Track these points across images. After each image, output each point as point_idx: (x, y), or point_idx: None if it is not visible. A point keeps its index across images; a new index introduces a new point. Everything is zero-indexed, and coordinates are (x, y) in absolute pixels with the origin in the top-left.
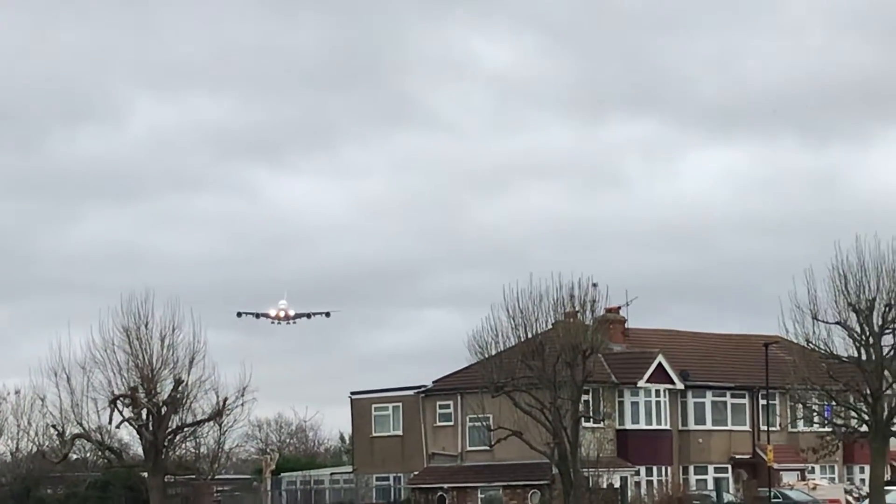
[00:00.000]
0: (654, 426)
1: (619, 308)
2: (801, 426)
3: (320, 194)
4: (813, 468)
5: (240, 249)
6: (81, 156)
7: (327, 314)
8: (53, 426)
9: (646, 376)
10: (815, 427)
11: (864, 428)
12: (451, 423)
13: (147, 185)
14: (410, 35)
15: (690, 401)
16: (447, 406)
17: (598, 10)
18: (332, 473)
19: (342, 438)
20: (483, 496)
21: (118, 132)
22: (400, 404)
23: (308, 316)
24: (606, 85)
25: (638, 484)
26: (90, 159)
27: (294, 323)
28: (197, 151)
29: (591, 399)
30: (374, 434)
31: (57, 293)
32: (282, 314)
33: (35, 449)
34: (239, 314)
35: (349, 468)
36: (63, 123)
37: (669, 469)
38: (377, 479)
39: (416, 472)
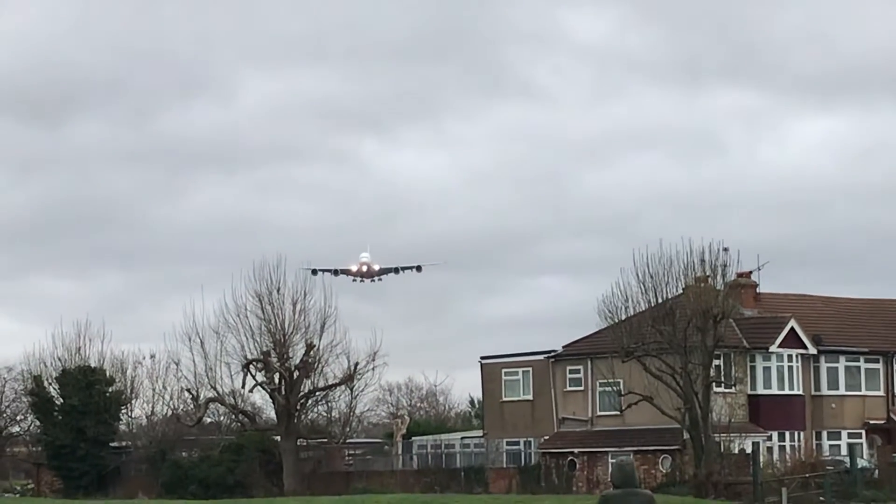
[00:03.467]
0: (787, 391)
1: (751, 273)
2: None
3: (426, 165)
4: None
5: (349, 219)
6: (192, 128)
7: (418, 268)
8: (188, 390)
9: (778, 341)
10: None
11: None
12: (581, 388)
13: (257, 156)
14: (498, 8)
15: (823, 366)
16: (577, 371)
17: None
18: (462, 438)
19: (472, 403)
20: (614, 461)
21: (226, 106)
22: (530, 369)
23: (395, 271)
24: (700, 55)
25: (770, 449)
26: (201, 131)
27: (380, 280)
28: (303, 124)
29: (722, 364)
30: (505, 399)
31: (173, 260)
32: (364, 269)
33: (170, 412)
34: (314, 271)
35: (479, 432)
36: (173, 97)
37: (802, 434)
38: (507, 443)
39: (546, 437)
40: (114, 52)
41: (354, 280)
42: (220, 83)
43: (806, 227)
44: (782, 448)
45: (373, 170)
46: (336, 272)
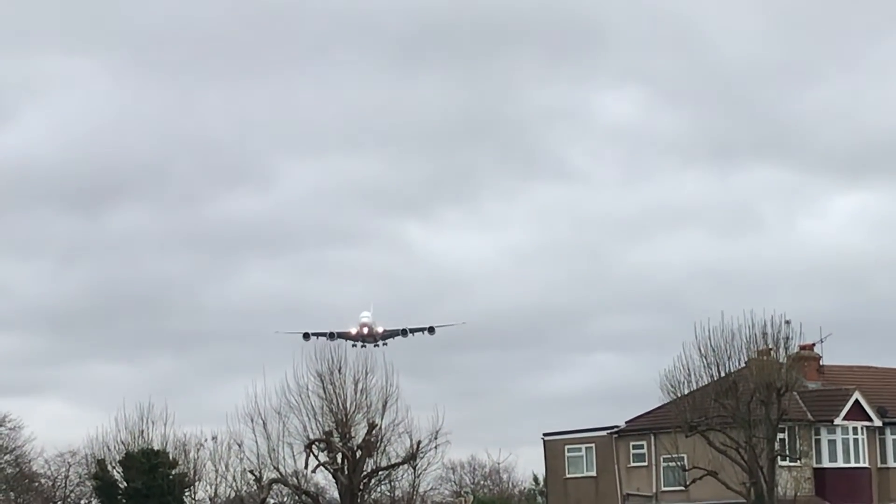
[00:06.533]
0: (853, 464)
1: (813, 345)
2: None
3: (469, 245)
4: None
5: (396, 299)
6: (236, 213)
7: (430, 330)
8: (251, 471)
9: (843, 414)
10: None
11: None
12: (645, 464)
13: (301, 240)
14: (525, 91)
15: (889, 438)
16: (641, 446)
17: (697, 64)
18: None
19: (535, 480)
20: None
21: (269, 191)
22: (593, 445)
23: (403, 333)
24: (726, 134)
25: None
26: (245, 216)
27: (385, 344)
28: (345, 208)
29: (786, 438)
30: (568, 475)
31: (225, 342)
32: (364, 331)
33: (233, 494)
34: (306, 336)
35: None
36: (216, 183)
37: None
38: None
39: None
40: (156, 140)
41: (355, 345)
42: (261, 169)
43: (853, 299)
44: None
45: (416, 251)
46: (332, 335)
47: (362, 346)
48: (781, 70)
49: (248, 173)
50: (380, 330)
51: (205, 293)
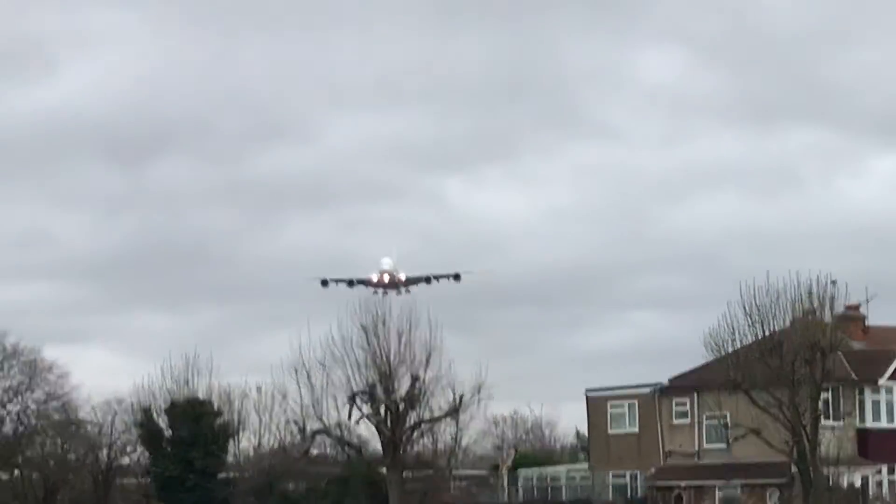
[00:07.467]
0: None
1: (859, 305)
2: None
3: (508, 202)
4: None
5: (433, 254)
6: (278, 168)
7: (456, 276)
8: (294, 422)
9: (887, 374)
10: None
11: None
12: (688, 421)
13: (343, 195)
14: (566, 48)
15: None
16: (683, 404)
17: (739, 24)
18: (568, 470)
19: (578, 435)
20: (721, 495)
21: (310, 146)
22: (636, 402)
23: (427, 280)
24: (767, 95)
25: (879, 483)
26: (287, 172)
27: (408, 292)
28: (385, 163)
29: (830, 397)
30: (611, 431)
31: (267, 295)
32: (385, 279)
33: (277, 444)
34: (324, 282)
35: (585, 465)
36: (258, 138)
37: None
38: (614, 476)
39: (652, 470)
40: (199, 94)
41: (376, 291)
42: (303, 123)
43: (890, 261)
44: (892, 482)
45: (456, 207)
46: (352, 283)
47: (384, 294)
48: (823, 31)
49: (290, 127)
50: (402, 277)
51: (247, 246)
